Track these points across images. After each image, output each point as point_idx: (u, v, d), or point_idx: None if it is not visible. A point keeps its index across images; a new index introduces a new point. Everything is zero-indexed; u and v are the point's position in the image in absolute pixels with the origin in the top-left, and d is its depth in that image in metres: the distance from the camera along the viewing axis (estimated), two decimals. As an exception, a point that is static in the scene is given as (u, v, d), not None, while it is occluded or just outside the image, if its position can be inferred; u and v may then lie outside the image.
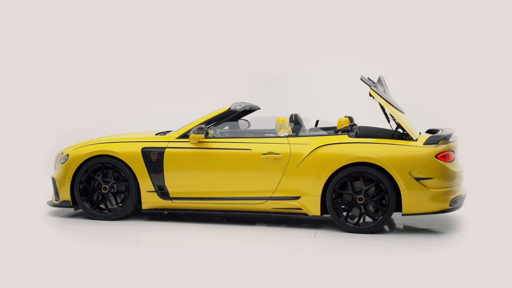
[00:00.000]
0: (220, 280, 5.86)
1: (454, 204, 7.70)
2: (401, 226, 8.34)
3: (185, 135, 8.23)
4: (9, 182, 10.82)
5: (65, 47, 12.26)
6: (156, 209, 8.25)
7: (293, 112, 8.75)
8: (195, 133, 8.09)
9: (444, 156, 7.69)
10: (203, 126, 8.11)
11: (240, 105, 8.59)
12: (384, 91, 8.08)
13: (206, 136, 8.22)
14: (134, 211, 8.44)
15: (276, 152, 7.92)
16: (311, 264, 6.60)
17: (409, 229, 8.18)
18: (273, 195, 7.91)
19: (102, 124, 11.47)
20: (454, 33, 11.86)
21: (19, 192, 10.24)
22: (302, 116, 8.97)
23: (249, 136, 8.32)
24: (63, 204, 8.39)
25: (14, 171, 11.28)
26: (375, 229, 7.67)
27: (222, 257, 6.69)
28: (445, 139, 7.93)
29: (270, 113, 9.41)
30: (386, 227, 8.21)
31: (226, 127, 9.17)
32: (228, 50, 12.52)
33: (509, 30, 11.70)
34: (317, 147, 7.83)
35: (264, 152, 7.95)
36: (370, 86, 7.87)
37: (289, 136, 8.09)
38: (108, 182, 8.28)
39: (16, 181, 10.93)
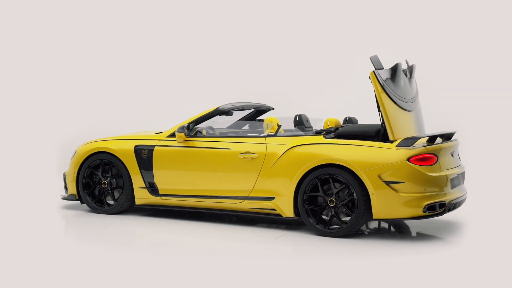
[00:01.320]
0: (218, 280, 5.87)
1: (430, 210, 7.21)
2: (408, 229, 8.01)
3: (174, 134, 8.41)
4: (33, 178, 11.53)
5: (92, 52, 12.84)
6: (148, 205, 8.51)
7: (300, 113, 8.63)
8: (178, 132, 8.26)
9: (420, 160, 7.23)
10: (185, 125, 8.24)
11: (231, 105, 8.59)
12: (394, 81, 7.55)
13: (198, 135, 8.35)
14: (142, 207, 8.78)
15: (252, 152, 7.88)
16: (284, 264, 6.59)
17: (402, 232, 7.84)
18: (250, 195, 7.88)
19: (124, 123, 11.90)
20: (458, 34, 11.65)
21: (41, 188, 10.85)
22: (313, 116, 8.81)
23: (230, 135, 8.35)
24: (70, 198, 8.90)
25: (38, 168, 12.01)
26: (344, 233, 7.39)
27: (221, 258, 6.74)
28: (431, 140, 7.46)
29: (284, 113, 9.30)
30: (393, 230, 7.94)
31: (246, 126, 9.26)
32: (242, 51, 12.60)
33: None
34: (290, 148, 7.69)
35: (242, 152, 7.94)
36: (375, 69, 7.43)
37: (267, 136, 8.00)
38: (108, 177, 8.67)
39: (40, 177, 11.66)
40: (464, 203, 7.91)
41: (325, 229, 7.47)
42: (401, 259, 6.67)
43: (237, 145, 8.02)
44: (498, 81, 11.07)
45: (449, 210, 7.47)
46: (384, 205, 7.21)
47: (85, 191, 8.76)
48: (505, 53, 11.35)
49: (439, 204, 7.27)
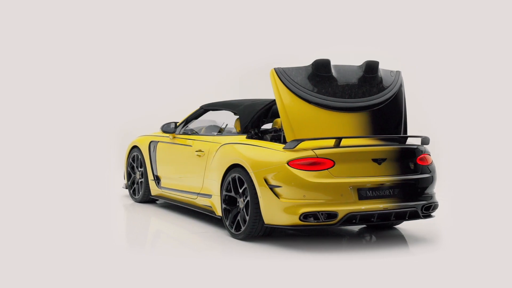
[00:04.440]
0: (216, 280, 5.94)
1: (314, 220, 6.58)
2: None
3: (173, 131, 9.00)
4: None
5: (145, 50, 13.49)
6: (157, 197, 9.23)
7: None
8: (160, 129, 8.88)
9: (303, 164, 6.66)
10: (167, 123, 8.78)
11: (210, 106, 8.73)
12: (318, 79, 7.01)
13: (193, 133, 8.82)
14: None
15: (202, 150, 8.08)
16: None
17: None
18: (200, 192, 8.09)
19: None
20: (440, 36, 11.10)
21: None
22: None
23: (194, 133, 8.61)
24: (125, 186, 10.11)
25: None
26: (242, 237, 7.14)
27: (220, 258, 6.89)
28: (336, 144, 6.76)
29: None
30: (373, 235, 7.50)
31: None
32: (251, 51, 11.99)
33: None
34: (219, 147, 7.71)
35: (197, 150, 8.19)
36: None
37: (217, 134, 8.10)
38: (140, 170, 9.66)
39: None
40: (417, 216, 7.01)
41: (232, 231, 7.34)
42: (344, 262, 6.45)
43: (196, 143, 8.29)
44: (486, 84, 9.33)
45: (352, 222, 6.66)
46: (269, 209, 6.83)
47: (128, 182, 9.88)
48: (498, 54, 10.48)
49: (327, 214, 6.59)
